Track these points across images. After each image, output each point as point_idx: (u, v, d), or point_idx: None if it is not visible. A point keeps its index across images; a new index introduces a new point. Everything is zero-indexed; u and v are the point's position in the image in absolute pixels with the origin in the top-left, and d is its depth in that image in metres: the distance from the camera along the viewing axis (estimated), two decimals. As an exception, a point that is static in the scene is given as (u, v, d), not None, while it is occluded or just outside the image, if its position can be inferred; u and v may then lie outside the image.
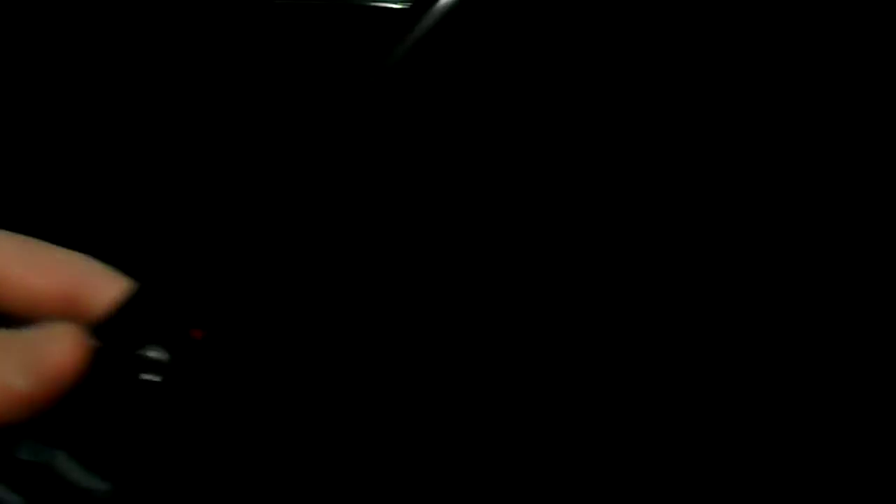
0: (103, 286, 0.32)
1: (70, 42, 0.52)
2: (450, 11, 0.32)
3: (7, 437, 0.29)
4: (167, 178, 0.53)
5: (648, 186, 0.52)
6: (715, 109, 0.52)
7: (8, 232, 0.33)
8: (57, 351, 0.28)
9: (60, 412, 0.29)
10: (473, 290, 0.52)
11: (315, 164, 0.31)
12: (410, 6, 0.32)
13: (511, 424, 0.52)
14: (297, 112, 0.31)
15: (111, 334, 0.30)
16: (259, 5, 0.51)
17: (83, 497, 0.30)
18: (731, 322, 0.53)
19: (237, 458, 0.43)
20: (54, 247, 0.33)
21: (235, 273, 0.31)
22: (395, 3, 0.50)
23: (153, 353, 0.30)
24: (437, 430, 0.52)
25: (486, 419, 0.52)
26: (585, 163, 0.52)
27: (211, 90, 0.52)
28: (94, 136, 0.53)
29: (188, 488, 0.42)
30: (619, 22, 0.51)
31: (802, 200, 0.52)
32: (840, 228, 0.52)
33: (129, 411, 0.30)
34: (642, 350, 0.53)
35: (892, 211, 0.52)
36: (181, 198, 0.53)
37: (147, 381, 0.30)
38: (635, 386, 0.53)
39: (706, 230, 0.52)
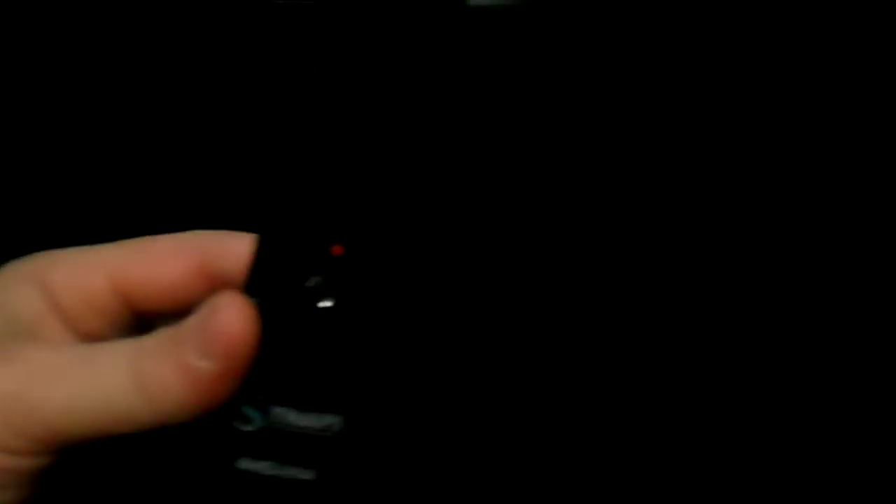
0: (227, 248, 0.32)
1: (70, 42, 0.52)
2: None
3: (224, 414, 0.29)
4: (167, 178, 0.53)
5: (649, 186, 0.52)
6: (715, 109, 0.52)
7: (110, 244, 0.32)
8: (227, 320, 0.28)
9: (256, 371, 0.28)
10: (474, 291, 0.52)
11: None
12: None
13: (511, 424, 0.52)
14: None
15: (263, 283, 0.30)
16: (259, 5, 0.51)
17: (323, 440, 0.30)
18: (731, 322, 0.53)
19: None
20: (163, 236, 0.33)
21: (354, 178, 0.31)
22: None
23: (311, 284, 0.30)
24: (438, 429, 0.52)
25: (486, 419, 0.52)
26: (586, 163, 0.52)
27: (211, 90, 0.52)
28: (94, 136, 0.53)
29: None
30: (619, 22, 0.51)
31: (802, 200, 0.52)
32: (840, 228, 0.52)
33: (312, 340, 0.30)
34: (643, 350, 0.53)
35: (893, 211, 0.52)
36: (181, 198, 0.53)
37: (321, 308, 0.30)
38: (636, 386, 0.53)
39: (706, 230, 0.53)
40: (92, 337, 0.31)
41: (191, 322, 0.28)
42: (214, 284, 0.32)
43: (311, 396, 0.30)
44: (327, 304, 0.30)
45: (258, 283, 0.30)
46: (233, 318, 0.28)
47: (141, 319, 0.33)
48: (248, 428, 0.30)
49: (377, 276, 0.30)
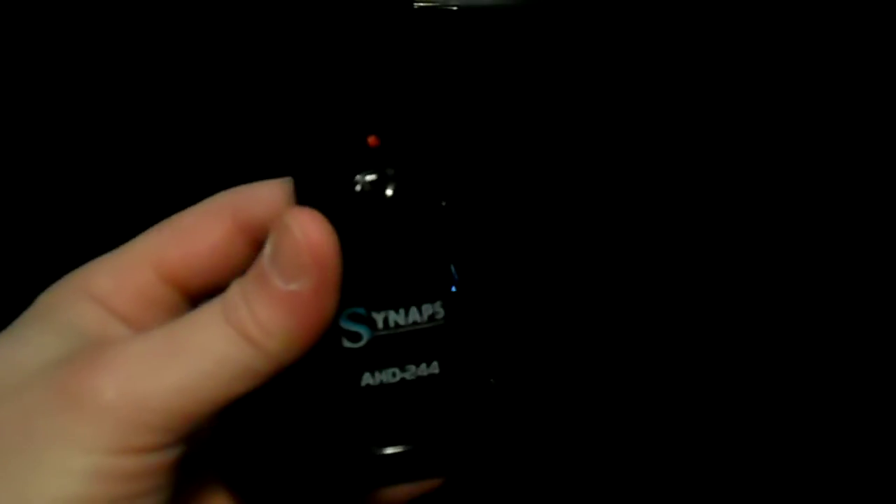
0: (253, 196, 0.31)
1: (70, 42, 0.52)
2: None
3: (330, 338, 0.28)
4: (167, 178, 0.53)
5: (649, 187, 0.52)
6: (715, 109, 0.52)
7: (140, 235, 0.32)
8: (304, 232, 0.27)
9: (345, 285, 0.28)
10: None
11: None
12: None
13: (512, 424, 0.52)
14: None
15: (314, 194, 0.29)
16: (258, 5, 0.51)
17: (433, 331, 0.29)
18: (731, 322, 0.53)
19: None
20: (182, 212, 0.32)
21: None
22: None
23: (362, 181, 0.29)
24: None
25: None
26: (586, 163, 0.52)
27: (211, 90, 0.52)
28: (94, 136, 0.53)
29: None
30: (619, 22, 0.51)
31: (802, 200, 0.52)
32: (840, 228, 0.52)
33: (390, 233, 0.29)
34: (643, 350, 0.53)
35: (893, 211, 0.52)
36: (180, 198, 0.53)
37: (383, 198, 0.29)
38: (636, 386, 0.53)
39: (706, 230, 0.53)
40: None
41: (266, 253, 0.28)
42: (256, 237, 0.31)
43: (406, 291, 0.29)
44: (388, 192, 0.29)
45: (310, 197, 0.29)
46: (309, 227, 0.27)
47: (194, 300, 0.32)
48: (359, 344, 0.29)
49: (421, 153, 0.29)
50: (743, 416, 0.53)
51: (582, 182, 0.51)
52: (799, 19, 0.51)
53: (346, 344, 0.29)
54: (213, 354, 0.27)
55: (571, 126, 0.50)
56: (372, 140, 0.29)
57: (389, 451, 0.30)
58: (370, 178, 0.29)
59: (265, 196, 0.31)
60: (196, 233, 0.31)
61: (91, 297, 0.30)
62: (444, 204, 0.29)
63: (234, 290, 0.28)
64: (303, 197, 0.29)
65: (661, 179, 0.52)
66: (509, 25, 0.50)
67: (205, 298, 0.31)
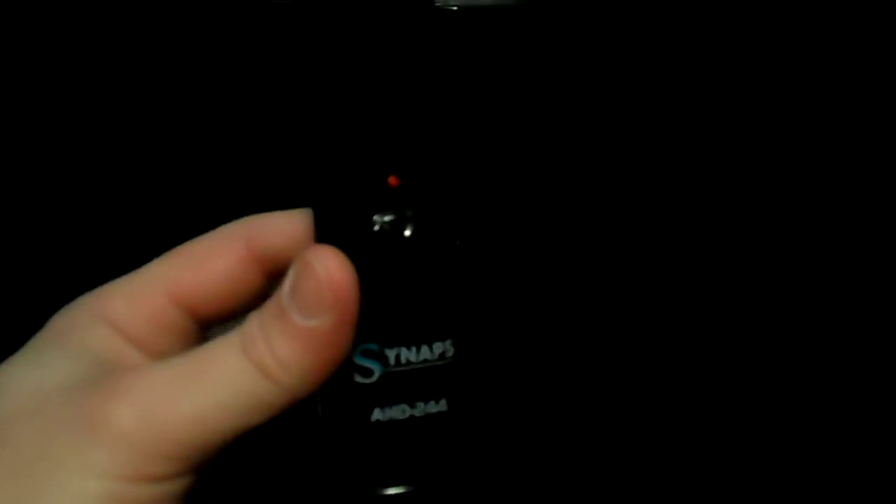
0: (267, 227, 0.32)
1: (70, 42, 0.52)
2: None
3: (342, 375, 0.29)
4: (166, 178, 0.53)
5: (649, 187, 0.52)
6: (715, 109, 0.52)
7: (155, 260, 0.32)
8: (324, 268, 0.27)
9: (361, 321, 0.28)
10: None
11: None
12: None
13: (511, 424, 0.53)
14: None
15: (333, 232, 0.29)
16: (259, 5, 0.51)
17: (442, 369, 0.30)
18: (730, 322, 0.53)
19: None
20: (198, 238, 0.32)
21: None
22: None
23: (381, 221, 0.29)
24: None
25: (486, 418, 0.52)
26: (586, 163, 0.52)
27: (211, 90, 0.52)
28: (96, 138, 0.53)
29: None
30: (619, 22, 0.51)
31: (802, 201, 0.53)
32: (840, 228, 0.53)
33: (406, 273, 0.30)
34: (643, 350, 0.53)
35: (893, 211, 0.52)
36: (181, 198, 0.53)
37: (401, 238, 0.29)
38: (636, 386, 0.53)
39: (706, 230, 0.53)
40: (166, 357, 0.31)
41: (286, 288, 0.28)
42: (268, 267, 0.32)
43: (419, 328, 0.30)
44: (407, 232, 0.30)
45: (329, 234, 0.29)
46: (331, 265, 0.27)
47: (204, 326, 0.32)
48: (371, 380, 0.29)
49: (440, 194, 0.30)
50: (739, 416, 0.53)
51: (590, 213, 0.51)
52: (798, 19, 0.51)
53: (358, 379, 0.30)
54: (230, 386, 0.28)
55: (579, 147, 0.51)
56: (392, 180, 0.29)
57: (393, 491, 0.30)
58: (389, 217, 0.29)
59: (281, 227, 0.32)
60: (210, 259, 0.32)
61: (105, 321, 0.31)
62: (458, 244, 0.30)
63: (253, 324, 0.28)
64: (322, 233, 0.29)
65: (670, 196, 0.52)
66: (509, 25, 0.50)
67: (216, 324, 0.32)
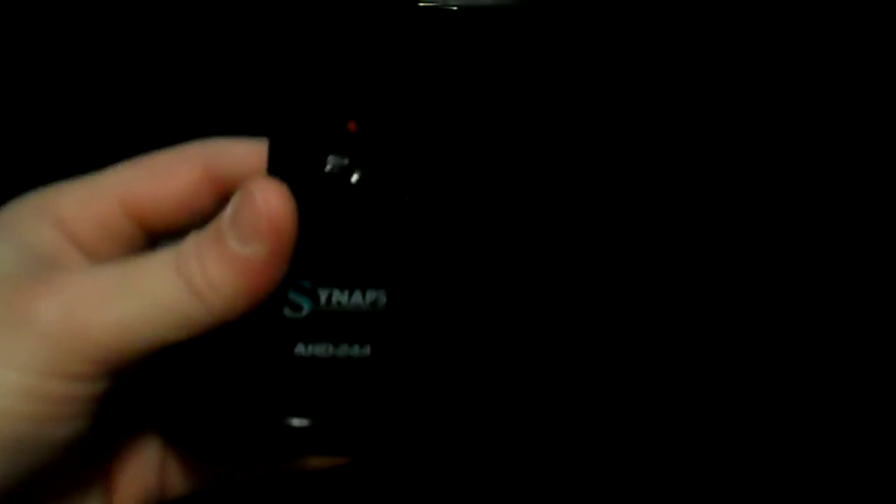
0: (232, 152, 0.32)
1: (70, 42, 0.52)
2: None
3: (272, 304, 0.29)
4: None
5: (649, 187, 0.52)
6: (715, 109, 0.52)
7: (113, 167, 0.32)
8: (266, 200, 0.28)
9: (297, 256, 0.28)
10: (474, 291, 0.52)
11: None
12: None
13: (511, 424, 0.52)
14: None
15: (285, 167, 0.29)
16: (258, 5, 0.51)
17: (372, 316, 0.30)
18: (731, 322, 0.53)
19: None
20: (159, 152, 0.33)
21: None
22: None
23: (333, 163, 0.30)
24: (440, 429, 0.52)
25: (486, 419, 0.52)
26: (586, 163, 0.52)
27: (211, 90, 0.52)
28: (96, 138, 0.53)
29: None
30: (620, 22, 0.51)
31: (802, 201, 0.52)
32: (840, 228, 0.52)
33: (348, 218, 0.30)
34: (643, 350, 0.53)
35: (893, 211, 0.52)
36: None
37: (349, 183, 0.30)
38: (635, 386, 0.53)
39: (706, 230, 0.53)
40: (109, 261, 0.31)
41: (227, 213, 0.28)
42: (221, 190, 0.32)
43: (353, 273, 0.30)
44: (354, 178, 0.30)
45: (280, 168, 0.30)
46: (271, 197, 0.28)
47: (152, 238, 0.33)
48: (299, 315, 0.30)
49: (396, 147, 0.30)
50: (723, 417, 0.53)
51: (554, 187, 0.51)
52: (798, 19, 0.51)
53: (287, 313, 0.30)
54: (158, 299, 0.28)
55: (558, 129, 0.51)
56: (352, 125, 0.30)
57: (297, 423, 0.31)
58: (341, 161, 0.30)
59: (238, 153, 0.32)
60: (166, 174, 0.32)
61: (53, 218, 0.31)
62: (407, 199, 0.30)
63: (190, 243, 0.29)
64: (274, 166, 0.30)
65: (636, 176, 0.52)
66: (509, 25, 0.50)
67: (163, 239, 0.33)
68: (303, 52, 0.30)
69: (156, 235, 0.33)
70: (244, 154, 0.32)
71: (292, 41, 0.30)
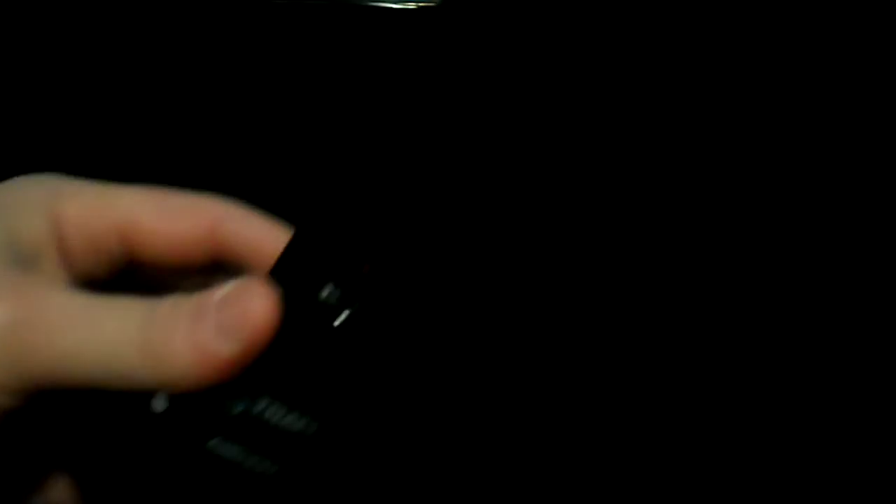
0: (242, 223, 0.32)
1: (70, 42, 0.52)
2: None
3: (213, 393, 0.29)
4: (166, 178, 0.53)
5: (649, 186, 0.52)
6: (715, 109, 0.52)
7: (135, 186, 0.32)
8: (257, 307, 0.27)
9: (259, 360, 0.28)
10: (474, 291, 0.52)
11: None
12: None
13: (511, 424, 0.52)
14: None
15: (286, 281, 0.29)
16: (259, 5, 0.51)
17: (295, 439, 0.30)
18: (731, 322, 0.53)
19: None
20: (183, 192, 0.32)
21: (397, 202, 0.30)
22: (395, 3, 0.50)
23: (331, 293, 0.29)
24: (440, 429, 0.52)
25: (486, 419, 0.52)
26: (587, 163, 0.52)
27: (211, 90, 0.52)
28: (96, 138, 0.53)
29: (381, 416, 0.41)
30: (619, 22, 0.51)
31: (802, 200, 0.52)
32: (840, 228, 0.52)
33: (315, 347, 0.30)
34: (642, 350, 0.53)
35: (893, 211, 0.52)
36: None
37: (329, 320, 0.30)
38: (635, 386, 0.53)
39: (707, 230, 0.53)
40: (84, 275, 0.31)
41: (216, 297, 0.28)
42: (219, 252, 0.32)
43: (299, 397, 0.30)
44: (340, 319, 0.30)
45: (285, 275, 0.30)
46: (263, 305, 0.28)
47: (134, 265, 0.32)
48: (231, 411, 0.29)
49: (393, 305, 0.30)
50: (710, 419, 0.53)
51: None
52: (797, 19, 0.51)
53: (222, 403, 0.30)
54: (114, 347, 0.28)
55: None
56: (366, 267, 0.30)
57: None
58: (334, 296, 0.29)
59: (252, 228, 0.32)
60: (174, 216, 0.32)
61: (52, 214, 0.31)
62: (378, 364, 0.30)
63: (166, 309, 0.28)
64: (280, 268, 0.30)
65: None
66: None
67: (147, 271, 0.32)
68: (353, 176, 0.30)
69: (139, 266, 0.32)
70: (257, 231, 0.32)
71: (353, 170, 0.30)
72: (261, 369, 0.29)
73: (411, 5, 0.50)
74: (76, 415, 0.32)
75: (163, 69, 0.52)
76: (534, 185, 0.52)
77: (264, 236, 0.32)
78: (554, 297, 0.52)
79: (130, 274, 0.33)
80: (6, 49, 0.52)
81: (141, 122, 0.52)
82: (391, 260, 0.30)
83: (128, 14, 0.52)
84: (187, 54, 0.52)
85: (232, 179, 0.52)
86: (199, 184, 0.52)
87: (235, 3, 0.51)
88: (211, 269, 0.33)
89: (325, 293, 0.29)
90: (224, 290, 0.28)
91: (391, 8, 0.50)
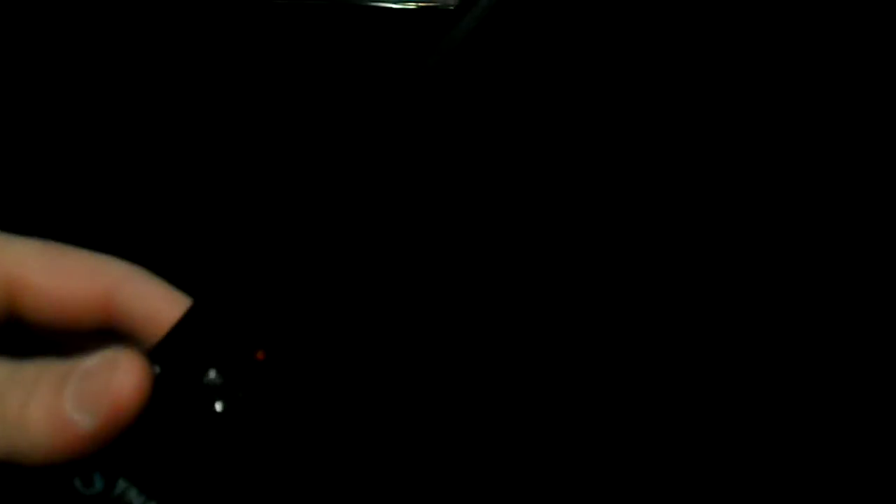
0: (139, 290, 0.30)
1: (70, 42, 0.52)
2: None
3: (68, 469, 0.27)
4: (166, 178, 0.53)
5: (649, 186, 0.52)
6: (715, 109, 0.52)
7: (30, 238, 0.31)
8: (121, 382, 0.26)
9: (121, 438, 0.27)
10: (474, 291, 0.52)
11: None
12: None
13: (511, 425, 0.52)
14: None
15: (170, 358, 0.28)
16: (259, 5, 0.51)
17: None
18: (731, 322, 0.53)
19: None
20: (81, 250, 0.31)
21: (294, 289, 0.28)
22: (395, 3, 0.50)
23: (215, 378, 0.28)
24: (439, 430, 0.52)
25: (486, 419, 0.52)
26: (587, 163, 0.52)
27: (211, 90, 0.52)
28: (96, 138, 0.53)
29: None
30: (619, 22, 0.51)
31: (803, 200, 0.52)
32: (840, 228, 0.52)
33: (191, 436, 0.28)
34: (642, 350, 0.53)
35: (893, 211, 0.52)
36: (180, 197, 0.53)
37: (210, 407, 0.28)
38: (635, 386, 0.53)
39: (707, 230, 0.52)
40: None
41: (80, 368, 0.26)
42: (113, 319, 0.30)
43: (161, 485, 0.28)
44: (218, 407, 0.28)
45: (166, 353, 0.28)
46: (129, 381, 0.26)
47: (17, 320, 0.31)
48: (87, 491, 0.28)
49: (278, 399, 0.28)
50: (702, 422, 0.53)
51: None
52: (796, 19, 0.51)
53: (76, 483, 0.28)
54: None
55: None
56: (259, 354, 0.28)
57: None
58: (217, 381, 0.28)
59: (154, 300, 0.30)
60: (66, 276, 0.30)
61: None
62: (263, 456, 0.29)
63: (30, 371, 0.27)
64: (161, 347, 0.28)
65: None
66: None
67: (33, 329, 0.30)
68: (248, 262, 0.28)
69: (24, 319, 0.31)
70: (157, 300, 0.30)
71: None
72: (124, 448, 0.27)
73: (411, 5, 0.50)
74: None
75: (162, 69, 0.52)
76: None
77: (163, 307, 0.30)
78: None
79: (14, 328, 0.31)
80: (6, 49, 0.52)
81: (140, 123, 0.52)
82: (288, 348, 0.28)
83: (128, 14, 0.52)
84: (187, 54, 0.52)
85: (231, 180, 0.52)
86: (199, 184, 0.52)
87: (235, 3, 0.51)
88: (108, 334, 0.31)
89: (210, 375, 0.28)
90: (92, 360, 0.26)
91: (391, 8, 0.50)
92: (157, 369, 0.27)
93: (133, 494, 0.28)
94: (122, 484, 0.28)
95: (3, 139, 0.53)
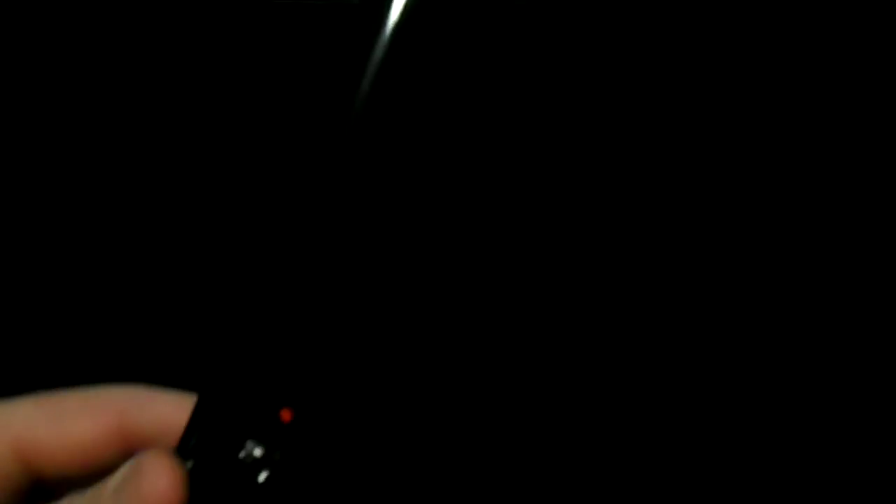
0: (145, 408, 0.29)
1: (70, 42, 0.52)
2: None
3: None
4: (166, 178, 0.53)
5: (649, 186, 0.52)
6: (715, 109, 0.52)
7: (25, 398, 0.30)
8: (152, 485, 0.25)
9: None
10: (474, 291, 0.52)
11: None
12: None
13: (511, 425, 0.52)
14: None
15: (198, 448, 0.27)
16: (259, 5, 0.51)
17: None
18: (731, 322, 0.53)
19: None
20: (76, 392, 0.30)
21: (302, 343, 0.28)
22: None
23: (251, 449, 0.27)
24: (439, 430, 0.52)
25: (486, 420, 0.52)
26: (586, 163, 0.52)
27: (211, 90, 0.52)
28: (96, 139, 0.53)
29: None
30: (619, 21, 0.51)
31: (803, 200, 0.52)
32: (840, 228, 0.52)
33: None
34: (642, 350, 0.53)
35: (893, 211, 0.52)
36: (179, 198, 0.53)
37: (254, 480, 0.27)
38: (635, 386, 0.53)
39: (707, 230, 0.52)
40: None
41: (109, 486, 0.25)
42: (132, 445, 0.29)
43: None
44: (261, 477, 0.27)
45: (192, 445, 0.27)
46: (160, 482, 0.25)
47: (42, 485, 0.29)
48: None
49: (319, 454, 0.28)
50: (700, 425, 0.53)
51: None
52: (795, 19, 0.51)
53: None
54: None
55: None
56: (286, 414, 0.27)
57: None
58: (257, 452, 0.27)
59: (159, 412, 0.29)
60: (71, 420, 0.29)
61: None
62: None
63: None
64: (185, 441, 0.27)
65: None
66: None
67: (60, 485, 0.29)
68: (249, 325, 0.27)
69: (49, 480, 0.30)
70: (166, 409, 0.29)
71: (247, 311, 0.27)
72: None
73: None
74: None
75: (162, 69, 0.52)
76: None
77: (173, 412, 0.29)
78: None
79: (39, 492, 0.30)
80: (6, 49, 0.52)
81: (140, 123, 0.52)
82: (309, 399, 0.27)
83: (127, 14, 0.52)
84: (187, 54, 0.52)
85: (231, 180, 0.52)
86: (198, 184, 0.52)
87: (235, 3, 0.51)
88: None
89: (243, 452, 0.27)
90: (117, 475, 0.25)
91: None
92: (190, 464, 0.26)
93: None
94: None
95: (3, 139, 0.53)
